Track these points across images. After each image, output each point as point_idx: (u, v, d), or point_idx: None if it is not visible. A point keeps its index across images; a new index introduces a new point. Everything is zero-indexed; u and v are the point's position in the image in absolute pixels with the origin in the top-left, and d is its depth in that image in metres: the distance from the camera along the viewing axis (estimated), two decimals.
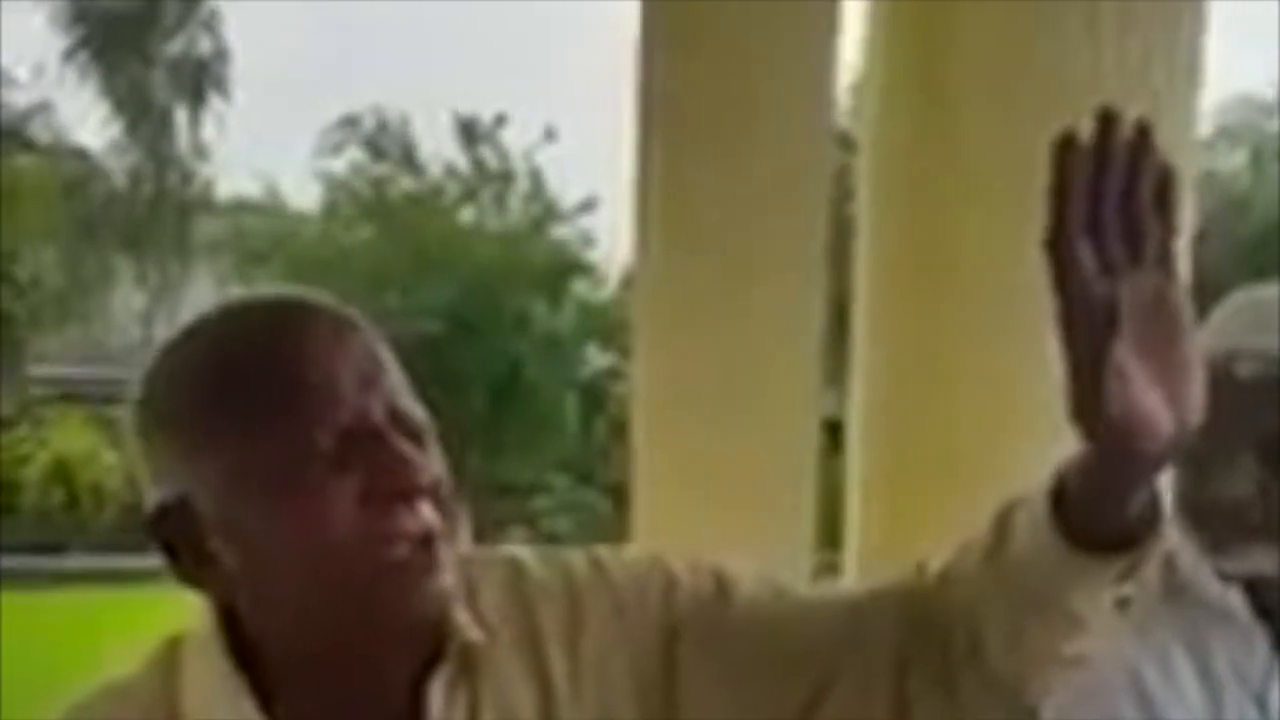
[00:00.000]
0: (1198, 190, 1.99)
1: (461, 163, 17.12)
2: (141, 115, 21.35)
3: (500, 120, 16.98)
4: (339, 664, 0.94)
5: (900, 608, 0.98)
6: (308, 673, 0.94)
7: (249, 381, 0.91)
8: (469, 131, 17.03)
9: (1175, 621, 1.19)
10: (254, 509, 0.90)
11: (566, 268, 16.87)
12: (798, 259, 2.21)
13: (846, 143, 2.54)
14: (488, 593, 0.99)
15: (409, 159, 17.29)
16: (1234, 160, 17.53)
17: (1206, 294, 0.91)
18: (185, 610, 1.00)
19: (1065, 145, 0.81)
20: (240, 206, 19.14)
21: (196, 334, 0.95)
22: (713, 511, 2.09)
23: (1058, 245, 0.81)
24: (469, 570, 0.98)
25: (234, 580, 0.93)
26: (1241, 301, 1.24)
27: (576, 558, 1.02)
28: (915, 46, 2.03)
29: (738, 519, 2.07)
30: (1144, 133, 0.82)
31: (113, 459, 15.10)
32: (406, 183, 17.30)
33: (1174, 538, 1.15)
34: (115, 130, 21.33)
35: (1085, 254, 0.81)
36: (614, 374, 15.35)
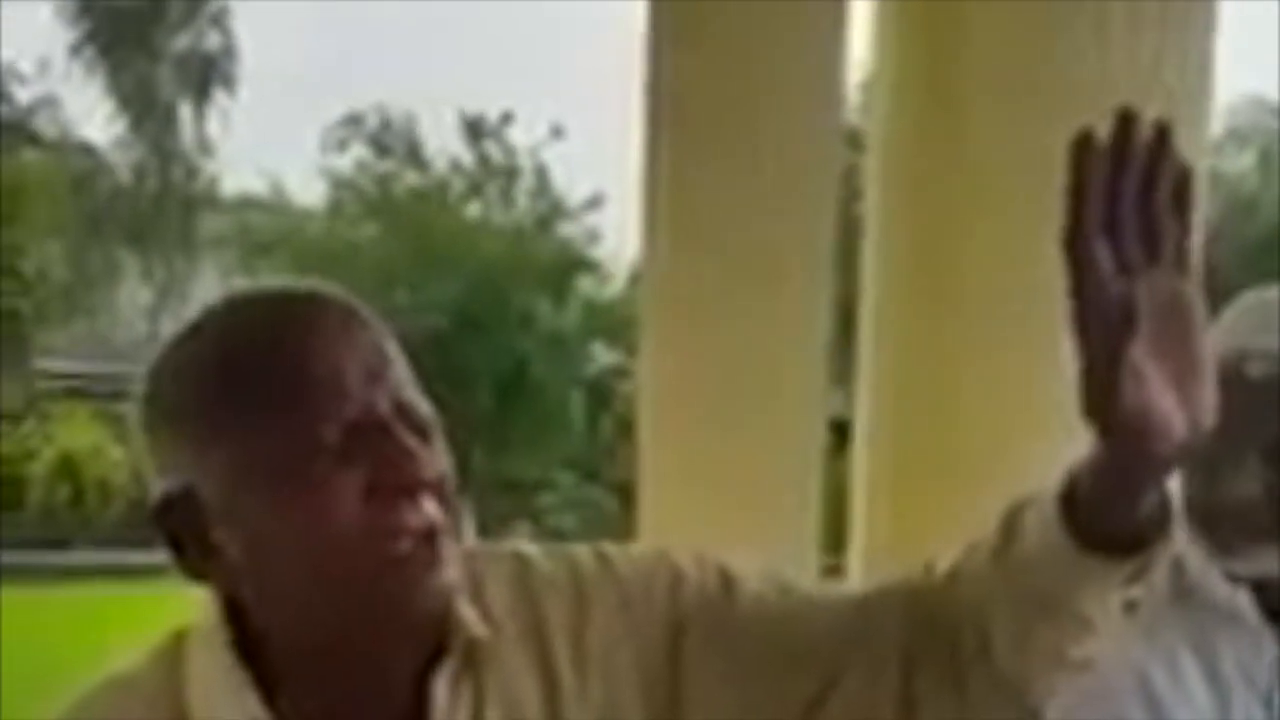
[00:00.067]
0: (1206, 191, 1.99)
1: (467, 159, 17.14)
2: (147, 111, 21.39)
3: (506, 118, 17.00)
4: (343, 658, 0.94)
5: (907, 606, 0.98)
6: (311, 667, 0.94)
7: (255, 375, 0.91)
8: (475, 129, 17.04)
9: (1183, 624, 1.19)
10: (259, 501, 0.90)
11: (572, 264, 16.88)
12: (805, 258, 2.20)
13: (855, 141, 2.53)
14: (493, 587, 0.99)
15: (414, 156, 17.30)
16: (1242, 162, 17.52)
17: (1214, 295, 0.91)
18: (190, 606, 1.00)
19: (1083, 145, 0.81)
20: (245, 203, 19.17)
21: (203, 328, 0.95)
22: (718, 510, 2.09)
23: (1074, 245, 0.81)
24: (474, 565, 0.98)
25: (238, 573, 0.93)
26: (1250, 302, 1.24)
27: (582, 552, 1.02)
28: (924, 45, 2.03)
29: (743, 517, 2.06)
30: (1162, 133, 0.82)
31: (119, 454, 15.14)
32: (412, 179, 17.31)
33: (1182, 540, 1.15)
34: (121, 126, 21.39)
35: (1102, 254, 0.81)
36: (620, 372, 15.36)
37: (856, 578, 2.06)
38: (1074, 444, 0.88)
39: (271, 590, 0.93)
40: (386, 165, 17.34)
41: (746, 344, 2.18)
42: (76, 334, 17.62)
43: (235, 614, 0.95)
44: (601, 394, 16.09)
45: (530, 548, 1.04)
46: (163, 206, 20.96)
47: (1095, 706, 1.12)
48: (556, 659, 0.98)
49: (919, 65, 2.03)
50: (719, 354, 2.19)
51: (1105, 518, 0.87)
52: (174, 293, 19.85)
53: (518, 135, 16.98)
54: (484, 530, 1.01)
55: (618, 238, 16.40)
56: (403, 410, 0.93)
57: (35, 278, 16.30)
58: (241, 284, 1.01)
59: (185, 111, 21.70)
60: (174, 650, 0.98)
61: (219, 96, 21.79)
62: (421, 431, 0.93)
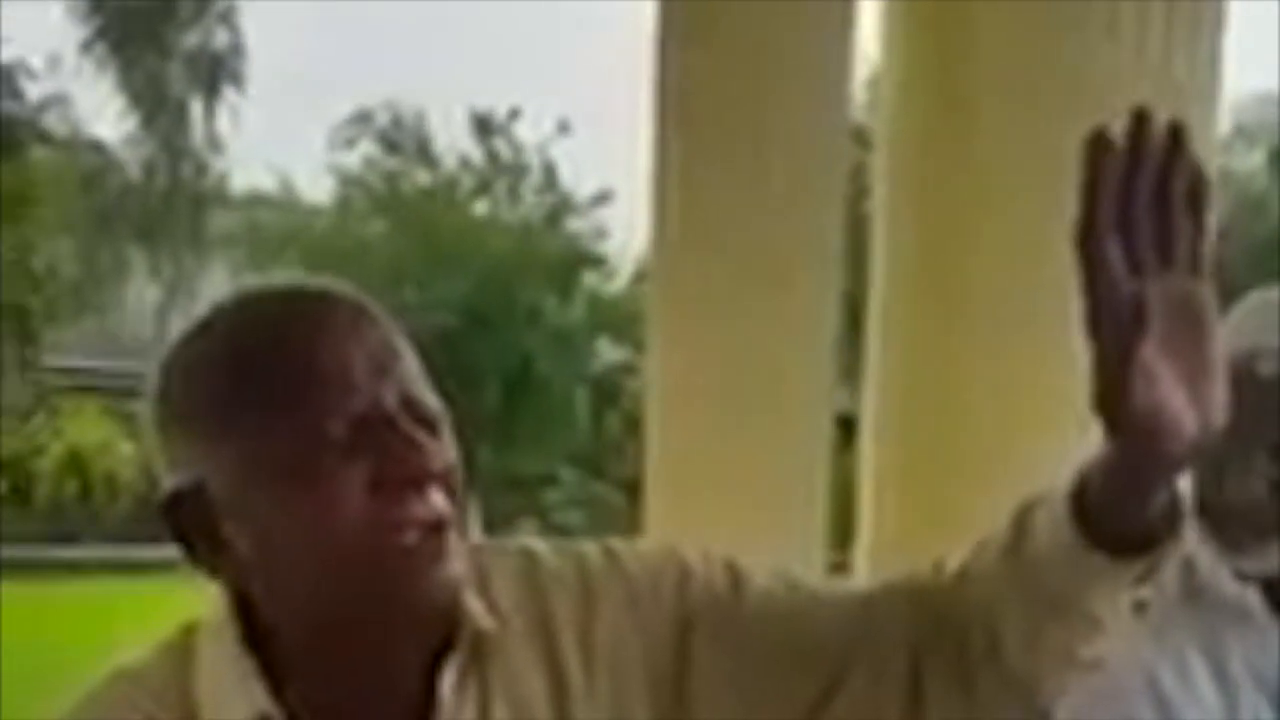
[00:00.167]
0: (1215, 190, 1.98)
1: (475, 156, 17.14)
2: (157, 108, 21.43)
3: (514, 113, 16.99)
4: (350, 651, 0.94)
5: (915, 604, 0.98)
6: (319, 660, 0.95)
7: (263, 372, 0.92)
8: (483, 125, 17.03)
9: (1193, 623, 1.19)
10: (267, 496, 0.91)
11: (579, 261, 16.88)
12: (812, 254, 2.21)
13: (863, 139, 2.53)
14: (500, 582, 0.99)
15: (423, 153, 17.30)
16: (1251, 160, 17.46)
17: (1223, 293, 0.91)
18: (197, 601, 1.00)
19: (1098, 143, 0.80)
20: (255, 200, 19.19)
21: (213, 325, 0.95)
22: (725, 506, 2.09)
23: (1087, 243, 0.81)
24: (481, 559, 0.98)
25: (247, 567, 0.93)
26: (1259, 302, 1.23)
27: (590, 548, 1.02)
28: (932, 43, 2.03)
29: (750, 513, 2.06)
30: (1177, 133, 0.82)
31: (127, 450, 15.18)
32: (420, 176, 17.32)
33: (1193, 540, 1.15)
34: (131, 123, 21.43)
35: (1114, 253, 0.81)
36: (626, 368, 15.37)
37: (862, 573, 2.06)
38: (1080, 440, 0.88)
39: (280, 584, 0.93)
40: (395, 162, 17.34)
41: (754, 340, 2.18)
42: (86, 330, 17.66)
43: (244, 609, 0.96)
44: (607, 390, 16.09)
45: (538, 543, 1.04)
46: (172, 203, 21.00)
47: (1104, 706, 1.12)
48: (563, 654, 0.98)
49: (927, 63, 2.03)
50: (726, 350, 2.19)
51: (1116, 517, 0.87)
52: (183, 289, 19.90)
53: (525, 132, 16.99)
54: (490, 526, 1.01)
55: (624, 234, 16.41)
56: (410, 404, 0.93)
57: (45, 274, 16.34)
58: (251, 281, 1.01)
59: (195, 109, 21.74)
60: (183, 645, 0.98)
61: (228, 93, 21.84)
62: (429, 425, 0.93)
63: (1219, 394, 0.84)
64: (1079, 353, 0.84)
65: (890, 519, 2.03)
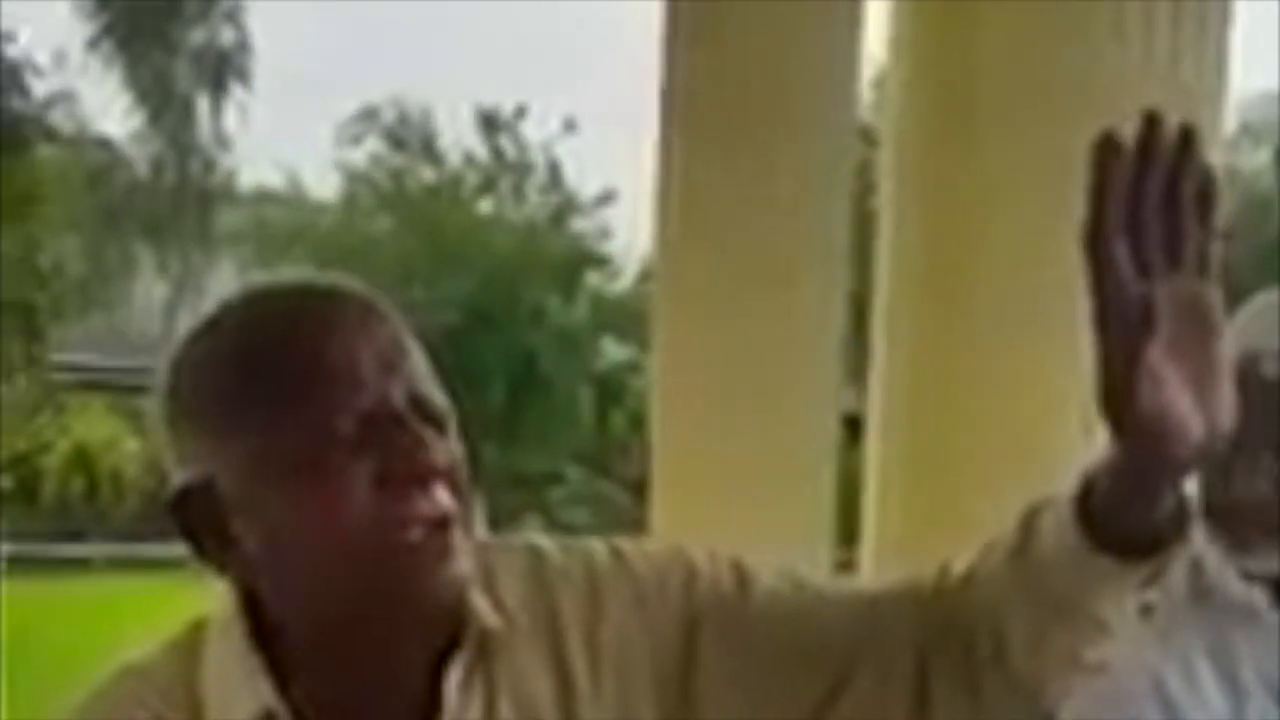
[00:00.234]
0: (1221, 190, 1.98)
1: (481, 153, 17.13)
2: (164, 105, 21.44)
3: (520, 111, 16.98)
4: (356, 648, 0.94)
5: (921, 606, 0.98)
6: (325, 657, 0.95)
7: (272, 368, 0.92)
8: (489, 123, 17.02)
9: (1199, 626, 1.19)
10: (275, 493, 0.91)
11: (583, 260, 16.87)
12: (818, 254, 2.20)
13: (869, 138, 2.53)
14: (506, 579, 1.00)
15: (429, 150, 17.30)
16: (1257, 159, 17.41)
17: (1228, 294, 0.91)
18: (205, 598, 1.00)
19: (1107, 145, 0.81)
20: (262, 197, 19.20)
21: (221, 322, 0.96)
22: (731, 505, 2.09)
23: (1095, 244, 0.81)
24: (487, 556, 0.98)
25: (255, 563, 0.93)
26: (1264, 303, 1.23)
27: (597, 547, 1.03)
28: (939, 43, 2.03)
29: (756, 513, 2.06)
30: (1187, 136, 0.82)
31: (134, 447, 15.19)
32: (426, 174, 17.32)
33: (1200, 541, 1.15)
34: (138, 120, 21.44)
35: (1122, 254, 0.81)
36: (631, 367, 15.37)
37: (868, 572, 2.06)
38: (1086, 440, 0.88)
39: (287, 580, 0.93)
40: (401, 159, 17.35)
41: (759, 340, 2.18)
42: (92, 327, 17.67)
43: (252, 605, 0.96)
44: (611, 389, 16.09)
45: (544, 541, 1.04)
46: (179, 200, 21.01)
47: (1110, 709, 1.12)
48: (569, 652, 0.98)
49: (933, 63, 2.03)
50: (731, 349, 2.19)
51: (1122, 520, 0.87)
52: (190, 286, 19.90)
53: (530, 130, 16.98)
54: (495, 524, 1.01)
55: (630, 233, 16.41)
56: (417, 401, 0.93)
57: (51, 271, 16.34)
58: (259, 277, 1.02)
59: (202, 106, 21.75)
60: (190, 641, 0.98)
61: (235, 90, 21.84)
62: (436, 422, 0.93)
63: (1226, 397, 0.84)
64: (1085, 353, 0.84)
65: (895, 518, 2.03)
